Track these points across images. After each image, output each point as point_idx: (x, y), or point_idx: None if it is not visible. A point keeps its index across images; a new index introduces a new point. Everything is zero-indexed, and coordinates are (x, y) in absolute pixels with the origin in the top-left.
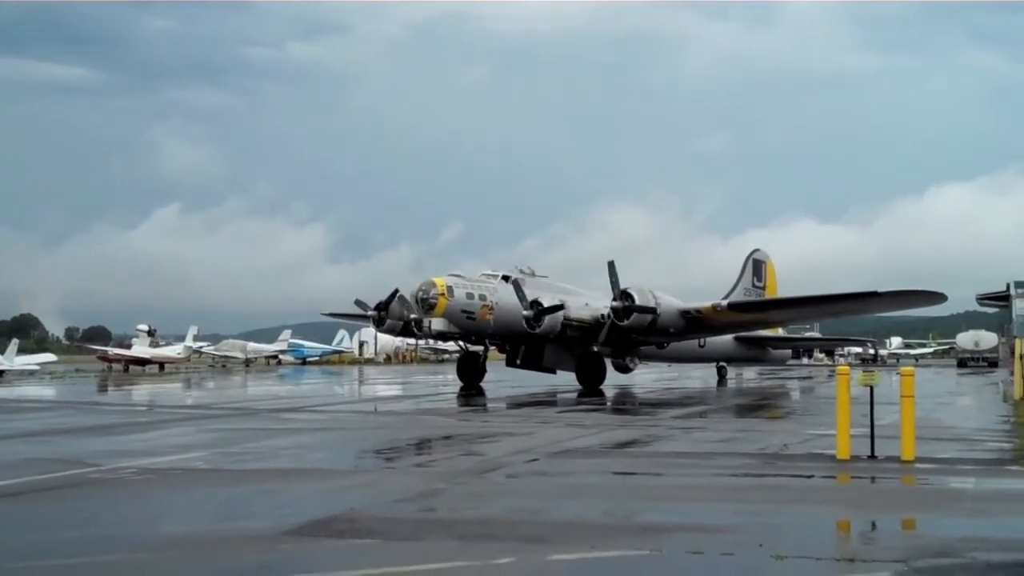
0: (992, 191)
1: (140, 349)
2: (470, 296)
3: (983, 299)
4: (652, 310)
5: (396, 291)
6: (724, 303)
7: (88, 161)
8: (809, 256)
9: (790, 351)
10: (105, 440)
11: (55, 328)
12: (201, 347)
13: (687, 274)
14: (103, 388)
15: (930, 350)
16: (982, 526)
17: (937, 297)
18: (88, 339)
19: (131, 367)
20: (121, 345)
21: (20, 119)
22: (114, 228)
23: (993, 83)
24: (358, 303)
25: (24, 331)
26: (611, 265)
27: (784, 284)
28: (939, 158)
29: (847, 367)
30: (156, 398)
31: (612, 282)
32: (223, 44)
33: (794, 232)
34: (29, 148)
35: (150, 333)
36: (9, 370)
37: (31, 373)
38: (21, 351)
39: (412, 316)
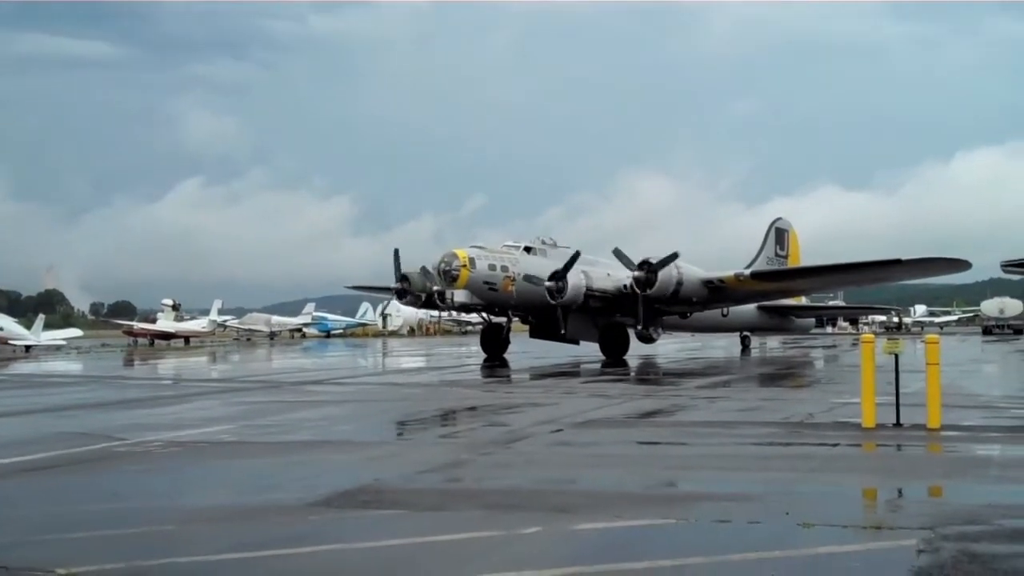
0: (1022, 155)
1: (165, 323)
2: (492, 268)
3: (1008, 266)
4: (675, 280)
5: (395, 251)
6: (747, 272)
7: (112, 136)
8: (834, 223)
9: (814, 320)
10: (131, 414)
11: (80, 303)
12: (226, 321)
13: (712, 242)
14: (129, 362)
15: (955, 318)
16: (1008, 493)
17: (961, 264)
18: (113, 314)
19: (156, 341)
20: (146, 320)
21: (44, 94)
22: (138, 202)
23: (1020, 51)
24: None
25: (50, 306)
26: (618, 252)
27: (808, 252)
28: (967, 123)
29: (871, 335)
30: (181, 372)
31: (626, 264)
32: (245, 18)
33: (819, 199)
34: (53, 123)
35: (175, 307)
36: (36, 345)
37: (58, 348)
38: (47, 326)
39: (435, 288)
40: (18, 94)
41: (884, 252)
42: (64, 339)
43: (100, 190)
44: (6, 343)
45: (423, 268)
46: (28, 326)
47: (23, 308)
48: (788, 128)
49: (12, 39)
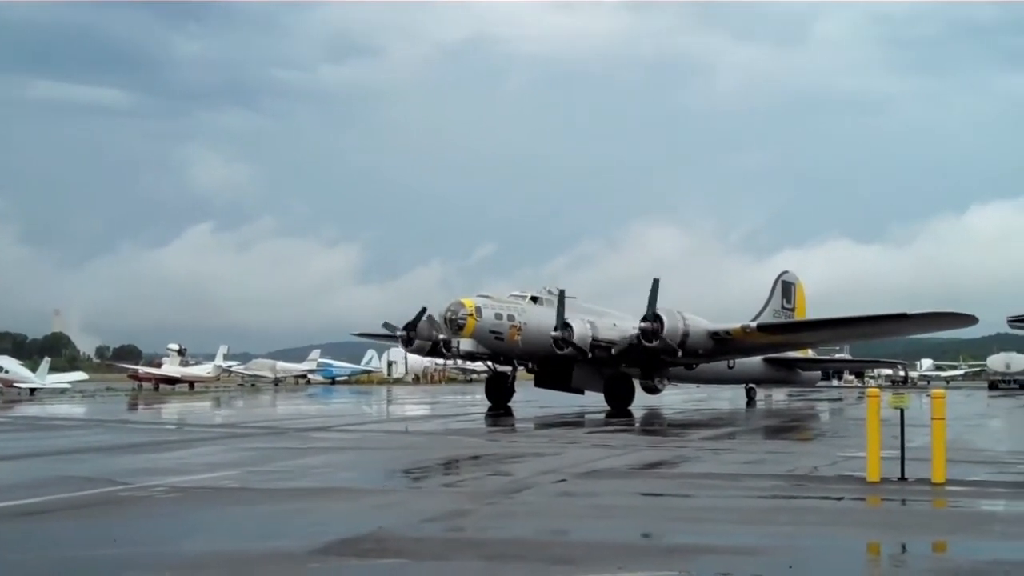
0: None
1: (170, 368)
2: (499, 317)
3: (1015, 321)
4: (681, 332)
5: (424, 309)
6: (753, 325)
7: (121, 182)
8: (844, 276)
9: (820, 373)
10: (134, 458)
11: (86, 347)
12: (231, 366)
13: (721, 294)
14: (133, 407)
15: (961, 372)
16: (1012, 549)
17: (968, 319)
18: (118, 358)
19: (161, 386)
20: (151, 364)
21: (54, 140)
22: (146, 247)
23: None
24: (386, 325)
25: (55, 350)
26: (655, 283)
27: (817, 305)
28: (983, 176)
29: (877, 389)
30: (186, 417)
31: (651, 300)
32: (256, 67)
33: (830, 251)
34: (63, 168)
35: (180, 352)
36: (41, 388)
37: (62, 391)
38: (53, 369)
39: (441, 336)
40: (28, 139)
41: (894, 306)
42: (69, 382)
43: (108, 234)
44: (11, 386)
45: (428, 316)
46: (33, 368)
47: (29, 351)
48: (799, 181)
49: (25, 83)
